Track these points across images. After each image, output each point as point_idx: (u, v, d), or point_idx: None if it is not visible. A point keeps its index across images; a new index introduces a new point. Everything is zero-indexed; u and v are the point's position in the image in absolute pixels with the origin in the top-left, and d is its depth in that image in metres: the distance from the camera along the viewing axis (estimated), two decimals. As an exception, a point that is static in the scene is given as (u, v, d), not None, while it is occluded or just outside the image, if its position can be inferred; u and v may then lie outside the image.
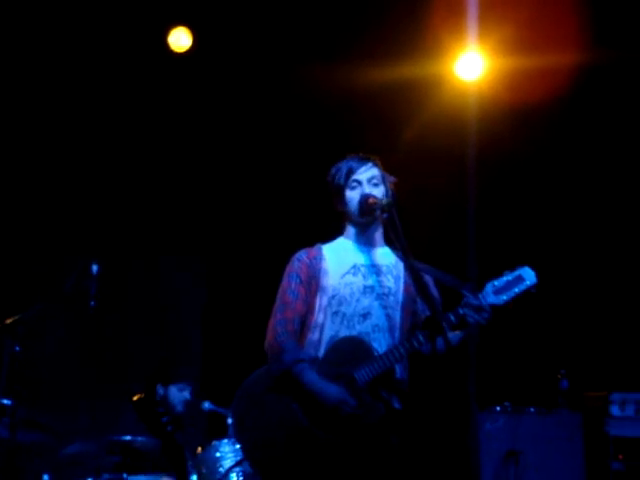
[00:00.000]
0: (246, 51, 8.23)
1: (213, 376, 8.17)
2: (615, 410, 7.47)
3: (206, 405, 6.56)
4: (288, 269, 4.69)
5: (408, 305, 4.68)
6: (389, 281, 4.67)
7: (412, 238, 4.39)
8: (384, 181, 4.69)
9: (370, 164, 4.70)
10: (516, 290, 4.41)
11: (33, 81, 8.10)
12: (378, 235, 4.74)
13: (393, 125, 8.18)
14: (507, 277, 4.44)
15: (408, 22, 7.82)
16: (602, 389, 7.59)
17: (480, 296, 4.43)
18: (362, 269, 4.66)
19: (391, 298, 4.64)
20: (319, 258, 4.67)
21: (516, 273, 4.45)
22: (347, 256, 4.69)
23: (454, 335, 4.55)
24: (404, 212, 4.50)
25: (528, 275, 4.43)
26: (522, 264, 4.48)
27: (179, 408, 6.45)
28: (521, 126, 7.94)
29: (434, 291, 4.70)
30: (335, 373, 4.45)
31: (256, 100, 8.47)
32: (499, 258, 7.80)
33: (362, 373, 4.43)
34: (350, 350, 4.51)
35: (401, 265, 4.70)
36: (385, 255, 4.74)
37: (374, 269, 4.67)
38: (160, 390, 6.44)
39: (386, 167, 4.78)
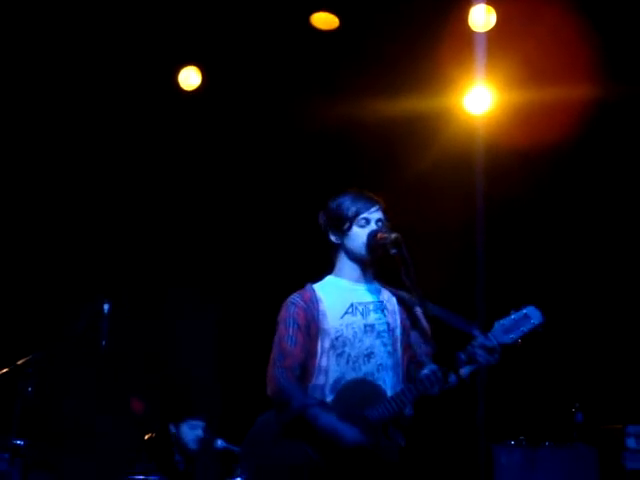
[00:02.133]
0: (255, 88, 8.27)
1: (226, 413, 8.14)
2: (631, 443, 7.42)
3: (219, 443, 6.53)
4: (283, 314, 4.58)
5: (405, 340, 4.65)
6: (387, 317, 4.63)
7: (419, 275, 4.38)
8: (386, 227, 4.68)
9: (378, 206, 4.67)
10: (523, 329, 4.42)
11: (45, 119, 8.16)
12: (371, 271, 4.68)
13: (401, 158, 8.19)
14: (514, 316, 4.45)
15: (417, 56, 7.84)
16: (618, 422, 7.54)
17: (491, 336, 4.42)
18: (359, 307, 4.61)
19: (390, 334, 4.61)
20: (315, 300, 4.58)
21: (522, 312, 4.45)
22: (342, 295, 4.62)
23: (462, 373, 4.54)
24: (411, 246, 4.50)
25: (534, 314, 4.45)
26: (527, 303, 4.48)
27: (192, 446, 6.43)
28: (530, 160, 7.93)
29: (424, 324, 4.66)
30: (347, 416, 4.40)
31: (264, 136, 8.51)
32: (509, 294, 7.85)
33: (375, 415, 4.40)
34: (359, 393, 4.47)
35: (394, 299, 4.68)
36: (378, 291, 4.70)
37: (371, 306, 4.62)
38: (172, 429, 6.42)
39: (393, 201, 4.78)
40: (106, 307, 5.71)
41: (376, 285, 4.72)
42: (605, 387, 7.97)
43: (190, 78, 8.14)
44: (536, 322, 4.43)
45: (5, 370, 5.55)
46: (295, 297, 4.62)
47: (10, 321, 8.00)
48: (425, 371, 4.48)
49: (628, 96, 7.77)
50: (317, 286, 4.67)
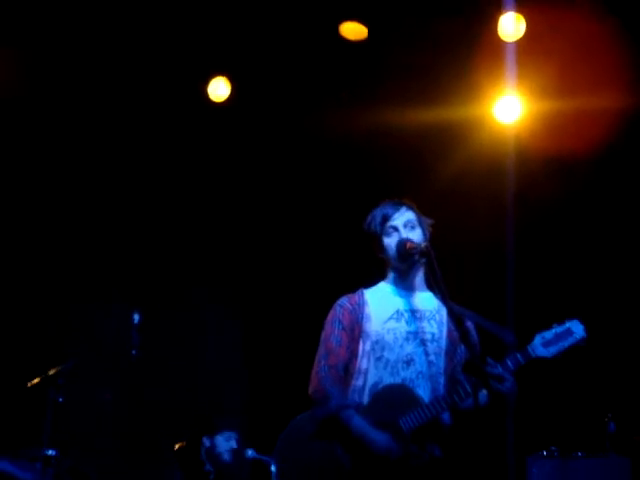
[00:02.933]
0: (284, 98, 8.28)
1: (256, 423, 8.14)
2: (664, 453, 7.35)
3: (249, 453, 6.53)
4: (330, 316, 4.70)
5: (450, 351, 4.67)
6: (432, 327, 4.66)
7: (450, 281, 4.37)
8: (421, 224, 4.69)
9: (404, 208, 4.71)
10: (565, 344, 4.39)
11: (74, 130, 8.20)
12: (419, 279, 4.73)
13: (432, 167, 8.18)
14: (556, 329, 4.42)
15: (447, 65, 7.83)
16: (651, 433, 7.48)
17: (529, 348, 4.40)
18: (405, 315, 4.65)
19: (434, 344, 4.63)
20: (361, 303, 4.67)
21: (565, 326, 4.43)
22: (389, 301, 4.68)
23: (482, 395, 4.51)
24: (442, 255, 4.49)
25: (577, 329, 4.41)
26: (572, 317, 4.46)
27: (226, 457, 6.44)
28: (560, 169, 7.90)
29: (474, 338, 4.67)
30: (380, 420, 4.44)
31: (293, 146, 8.52)
32: (540, 303, 7.81)
33: (408, 422, 4.42)
34: (396, 398, 4.50)
35: (444, 310, 4.68)
36: (427, 300, 4.72)
37: (417, 314, 4.66)
38: (207, 442, 6.42)
39: (424, 210, 4.78)
40: (136, 317, 5.73)
41: (427, 294, 4.74)
42: (638, 397, 7.91)
43: (219, 89, 8.16)
44: (578, 337, 4.39)
45: (36, 380, 5.59)
46: (343, 299, 4.74)
47: (41, 331, 8.04)
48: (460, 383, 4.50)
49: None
50: (368, 291, 4.76)
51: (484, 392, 4.41)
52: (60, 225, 8.33)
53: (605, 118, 7.60)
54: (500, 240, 8.20)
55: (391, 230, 4.67)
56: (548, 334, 4.41)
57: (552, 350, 4.38)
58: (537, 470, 7.42)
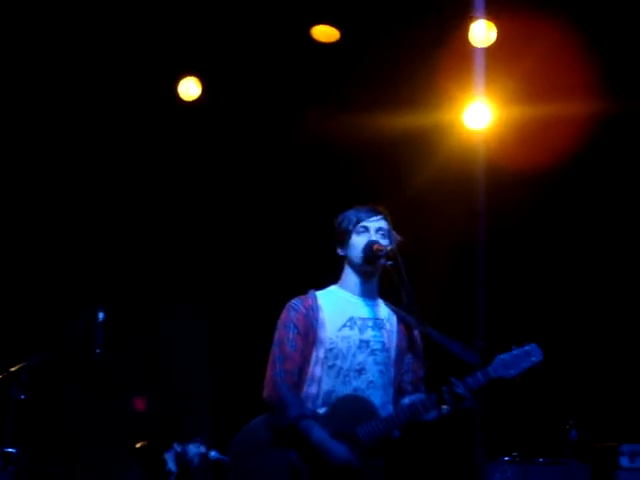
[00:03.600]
0: (254, 100, 8.28)
1: (219, 423, 8.12)
2: (625, 462, 7.38)
3: (212, 454, 6.50)
4: (284, 318, 4.65)
5: (399, 361, 4.69)
6: (383, 336, 4.65)
7: (419, 288, 4.39)
8: (390, 236, 4.68)
9: (380, 216, 4.71)
10: (523, 366, 4.54)
11: (42, 127, 8.16)
12: (374, 287, 4.72)
13: (402, 173, 8.19)
14: (516, 352, 4.57)
15: (418, 71, 7.85)
16: (612, 440, 7.52)
17: (490, 368, 4.49)
18: (358, 322, 4.64)
19: (384, 354, 4.64)
20: (315, 308, 4.63)
21: (524, 349, 4.58)
22: (343, 307, 4.66)
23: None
24: (411, 261, 4.51)
25: (535, 352, 4.59)
26: (530, 341, 4.61)
27: (195, 461, 6.43)
28: (530, 176, 7.93)
29: (419, 348, 4.74)
30: (338, 431, 4.43)
31: (263, 148, 8.51)
32: (508, 310, 7.85)
33: (366, 435, 4.43)
34: (353, 409, 4.50)
35: (394, 319, 4.71)
36: (379, 308, 4.72)
37: (369, 322, 4.65)
38: (178, 447, 6.40)
39: (393, 215, 4.79)
40: (101, 315, 5.70)
41: (378, 301, 4.74)
42: (600, 405, 7.96)
43: (190, 89, 8.14)
44: (536, 360, 4.57)
45: (-2, 376, 5.54)
46: (296, 302, 4.68)
47: (4, 327, 7.99)
48: (411, 399, 4.54)
49: (628, 112, 7.78)
50: (320, 294, 4.72)
51: (444, 407, 4.46)
52: (26, 221, 8.29)
53: (574, 125, 7.66)
54: (470, 246, 8.23)
55: (362, 230, 4.66)
56: (507, 356, 4.55)
57: (511, 372, 4.53)
58: (499, 475, 7.44)
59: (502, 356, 4.54)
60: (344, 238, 4.68)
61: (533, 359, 4.55)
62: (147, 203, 8.59)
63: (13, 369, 5.44)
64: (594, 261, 8.25)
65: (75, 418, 8.03)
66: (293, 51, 7.91)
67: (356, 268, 4.68)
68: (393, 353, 4.66)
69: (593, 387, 8.07)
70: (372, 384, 4.59)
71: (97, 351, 5.62)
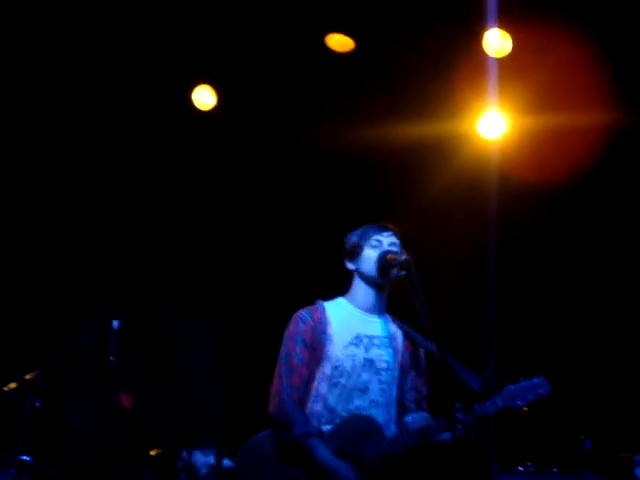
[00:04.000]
0: (269, 109, 8.29)
1: (233, 432, 8.11)
2: (639, 472, 7.36)
3: (225, 462, 6.51)
4: (292, 330, 4.64)
5: (402, 380, 4.70)
6: (387, 355, 4.66)
7: (429, 298, 4.39)
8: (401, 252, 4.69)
9: (391, 232, 4.73)
10: (531, 397, 4.63)
11: (55, 134, 8.19)
12: (383, 302, 4.73)
13: (415, 183, 8.19)
14: (523, 384, 4.65)
15: (431, 80, 7.85)
16: (626, 451, 7.49)
17: (499, 398, 4.55)
18: (364, 340, 4.64)
19: (388, 373, 4.65)
20: (324, 322, 4.63)
21: (532, 381, 4.66)
22: (350, 323, 4.66)
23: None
24: (422, 272, 4.50)
25: (542, 385, 4.67)
26: (537, 373, 4.69)
27: (203, 471, 6.43)
28: (543, 186, 7.93)
29: (423, 365, 4.78)
30: (343, 450, 4.44)
31: (277, 157, 8.53)
32: (520, 319, 7.83)
33: (371, 455, 4.43)
34: (359, 428, 4.50)
35: (399, 334, 4.72)
36: (385, 325, 4.73)
37: (375, 341, 4.66)
38: (185, 455, 6.41)
39: (406, 224, 4.81)
40: (115, 323, 5.71)
41: (386, 318, 4.76)
42: (614, 415, 7.93)
43: (205, 97, 8.15)
44: (543, 393, 4.65)
45: (13, 385, 5.54)
46: (305, 314, 4.67)
47: (19, 335, 8.00)
48: (414, 418, 4.54)
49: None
50: (328, 305, 4.72)
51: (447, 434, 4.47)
52: (43, 230, 8.31)
53: (589, 135, 7.64)
54: (482, 256, 8.22)
55: (375, 243, 4.68)
56: (515, 387, 4.63)
57: (519, 402, 4.62)
58: (512, 485, 7.42)
59: (510, 387, 4.61)
60: (355, 252, 4.70)
61: (540, 391, 4.63)
62: (163, 211, 8.60)
63: (28, 377, 5.45)
64: (606, 272, 8.22)
65: (89, 426, 8.03)
66: (308, 60, 7.91)
67: (368, 281, 4.69)
68: (397, 373, 4.67)
69: (608, 397, 8.04)
70: (374, 403, 4.60)
71: (110, 359, 5.63)
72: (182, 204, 8.67)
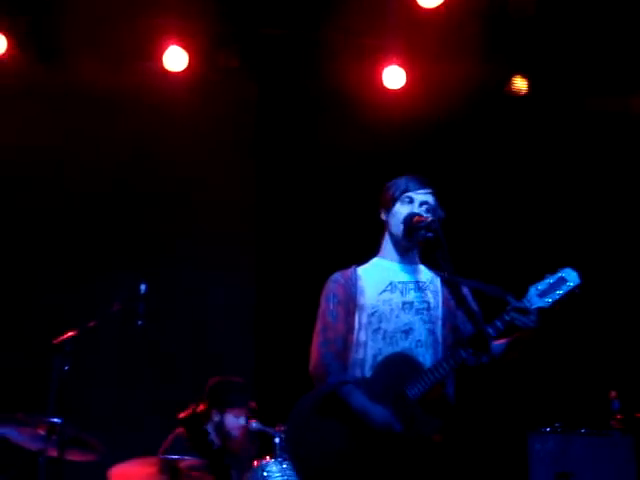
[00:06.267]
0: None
1: (261, 394, 8.15)
2: (668, 433, 7.35)
3: (254, 425, 6.52)
4: (325, 291, 4.74)
5: (449, 319, 4.70)
6: (427, 296, 4.68)
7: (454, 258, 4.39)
8: (434, 212, 4.67)
9: (428, 189, 4.72)
10: (560, 292, 4.40)
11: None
12: (414, 253, 4.76)
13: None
14: (549, 279, 4.43)
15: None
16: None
17: (525, 300, 4.40)
18: (399, 286, 4.68)
19: (431, 313, 4.66)
20: (354, 278, 4.70)
21: (558, 275, 4.43)
22: (383, 274, 4.71)
23: (498, 345, 4.52)
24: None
25: (571, 276, 4.42)
26: (563, 266, 4.45)
27: (234, 433, 6.45)
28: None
29: (473, 304, 4.69)
30: (385, 392, 4.45)
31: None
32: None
33: (413, 390, 4.42)
34: (399, 367, 4.51)
35: (438, 280, 4.73)
36: (421, 272, 4.76)
37: (411, 285, 4.69)
38: (216, 416, 6.42)
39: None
40: (143, 287, 5.72)
41: (419, 266, 4.78)
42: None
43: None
44: (572, 284, 4.40)
45: (42, 348, 5.58)
46: (336, 275, 4.77)
47: (46, 300, 8.05)
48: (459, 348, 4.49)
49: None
50: (360, 268, 4.79)
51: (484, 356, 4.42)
52: (67, 196, 8.35)
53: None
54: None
55: (407, 200, 4.71)
56: (542, 285, 4.43)
57: (548, 300, 4.39)
58: (540, 446, 7.42)
59: (536, 285, 4.43)
60: (389, 204, 4.73)
61: (570, 284, 4.39)
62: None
63: (57, 340, 5.48)
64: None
65: (118, 388, 8.09)
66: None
67: (394, 238, 4.73)
68: (440, 312, 4.68)
69: (636, 357, 8.03)
70: (420, 343, 4.60)
71: (139, 323, 5.65)
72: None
